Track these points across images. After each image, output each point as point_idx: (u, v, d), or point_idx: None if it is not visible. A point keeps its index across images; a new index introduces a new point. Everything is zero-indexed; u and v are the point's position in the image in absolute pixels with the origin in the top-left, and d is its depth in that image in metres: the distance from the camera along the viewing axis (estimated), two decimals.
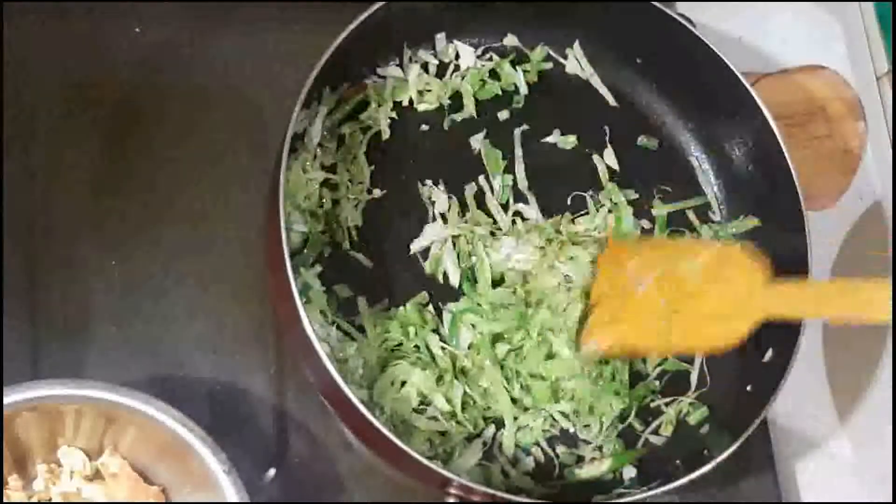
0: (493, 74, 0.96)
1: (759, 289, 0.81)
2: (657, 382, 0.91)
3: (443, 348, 0.85)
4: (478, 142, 0.94)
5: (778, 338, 0.87)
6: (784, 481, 0.94)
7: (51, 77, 0.89)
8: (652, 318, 0.84)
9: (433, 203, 0.91)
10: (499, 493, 0.77)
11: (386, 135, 0.92)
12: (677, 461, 0.86)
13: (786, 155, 0.90)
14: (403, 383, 0.84)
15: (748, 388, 0.89)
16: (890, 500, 0.96)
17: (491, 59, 0.97)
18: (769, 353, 0.88)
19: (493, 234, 0.90)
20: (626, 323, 0.85)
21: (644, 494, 0.82)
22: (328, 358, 0.75)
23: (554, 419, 0.87)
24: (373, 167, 0.90)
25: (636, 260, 0.86)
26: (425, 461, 0.75)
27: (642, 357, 0.89)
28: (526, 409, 0.86)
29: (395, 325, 0.85)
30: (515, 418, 0.85)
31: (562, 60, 0.98)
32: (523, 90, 0.96)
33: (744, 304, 0.81)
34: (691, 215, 0.97)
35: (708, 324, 0.83)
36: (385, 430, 0.75)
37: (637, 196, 0.96)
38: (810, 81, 1.07)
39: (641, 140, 0.98)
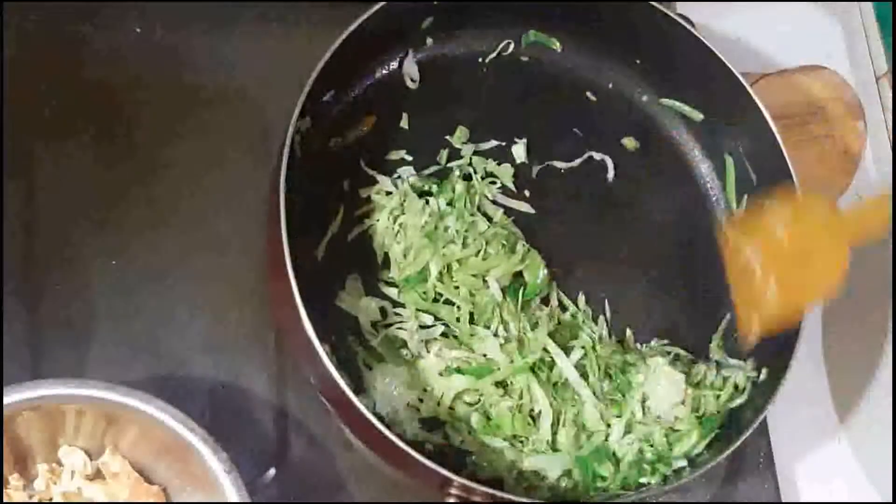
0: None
1: (836, 227, 0.82)
2: None
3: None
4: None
5: (775, 348, 0.87)
6: (784, 481, 0.94)
7: (51, 77, 0.89)
8: (762, 292, 0.83)
9: None
10: (499, 494, 0.77)
11: None
12: None
13: (785, 155, 0.90)
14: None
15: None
16: (890, 500, 0.97)
17: (486, 59, 0.97)
18: (763, 373, 0.88)
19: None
20: (756, 304, 0.84)
21: (644, 494, 0.82)
22: (329, 359, 0.75)
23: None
24: None
25: (742, 238, 0.85)
26: (425, 461, 0.75)
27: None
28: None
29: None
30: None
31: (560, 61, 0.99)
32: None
33: (828, 249, 0.82)
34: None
35: (806, 278, 0.82)
36: (386, 431, 0.75)
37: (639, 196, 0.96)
38: (810, 81, 1.07)
39: (641, 140, 0.98)
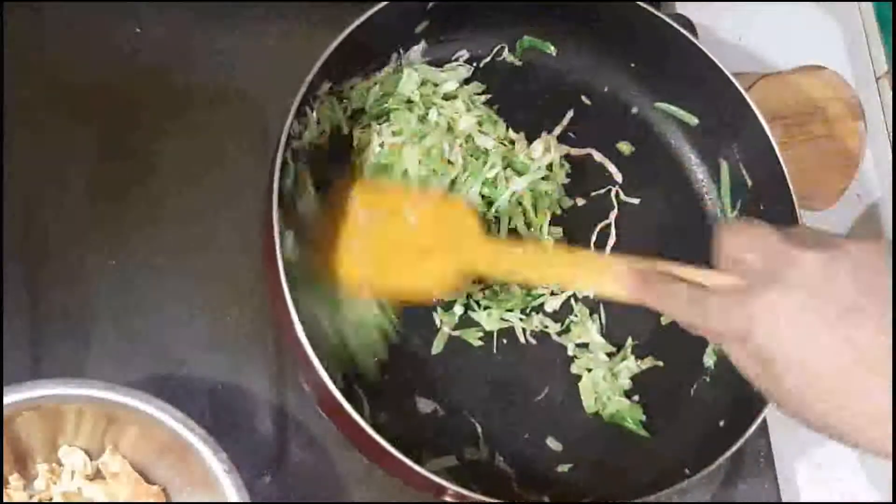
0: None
1: (474, 241, 0.82)
2: None
3: None
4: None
5: None
6: (784, 481, 0.94)
7: (51, 77, 0.89)
8: (383, 257, 0.83)
9: None
10: (496, 501, 0.76)
11: None
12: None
13: (780, 159, 0.90)
14: None
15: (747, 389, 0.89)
16: (890, 500, 0.97)
17: (481, 64, 0.96)
18: None
19: None
20: (368, 262, 0.83)
21: (645, 498, 0.82)
22: (324, 370, 0.75)
23: None
24: None
25: (372, 200, 0.84)
26: (422, 471, 0.75)
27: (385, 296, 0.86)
28: None
29: None
30: None
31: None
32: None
33: (457, 249, 0.82)
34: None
35: (422, 262, 0.82)
36: (382, 442, 0.75)
37: (638, 200, 0.96)
38: (810, 82, 1.07)
39: (636, 144, 0.98)
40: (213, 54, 0.93)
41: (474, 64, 0.96)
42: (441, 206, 0.85)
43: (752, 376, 0.65)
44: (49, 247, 0.85)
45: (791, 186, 0.90)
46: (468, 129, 0.91)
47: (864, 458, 0.99)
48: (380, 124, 0.90)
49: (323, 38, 0.83)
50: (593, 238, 0.94)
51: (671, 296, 0.69)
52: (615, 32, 0.94)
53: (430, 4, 0.90)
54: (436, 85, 0.93)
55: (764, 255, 0.64)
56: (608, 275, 0.76)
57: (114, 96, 0.90)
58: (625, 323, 0.93)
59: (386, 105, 0.91)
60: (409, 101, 0.91)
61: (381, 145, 0.89)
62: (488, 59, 0.97)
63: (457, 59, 0.95)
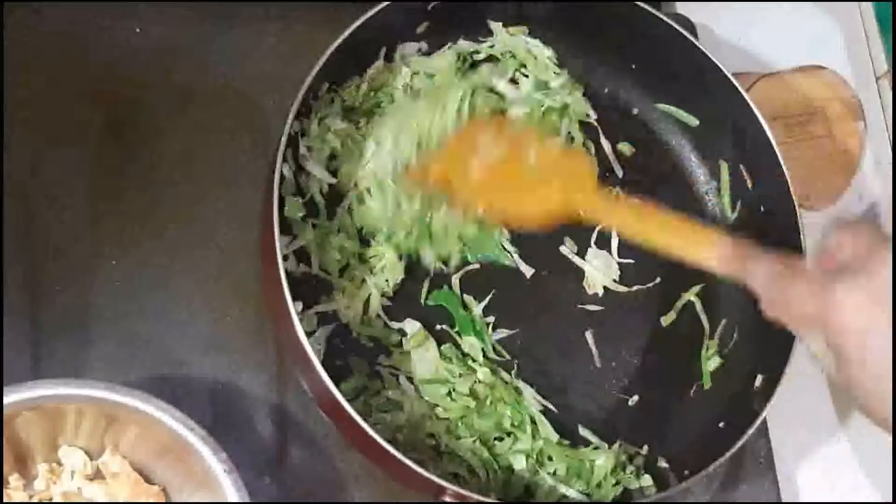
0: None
1: (587, 189, 0.85)
2: None
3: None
4: None
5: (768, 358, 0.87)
6: (784, 481, 0.94)
7: (51, 77, 0.89)
8: (499, 181, 0.86)
9: None
10: (495, 501, 0.76)
11: None
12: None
13: (780, 160, 0.90)
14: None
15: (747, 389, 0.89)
16: (890, 500, 0.97)
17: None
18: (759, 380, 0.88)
19: None
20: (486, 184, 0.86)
21: (646, 500, 0.83)
22: (324, 371, 0.75)
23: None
24: None
25: (488, 136, 0.87)
26: (421, 471, 0.75)
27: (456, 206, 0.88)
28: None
29: None
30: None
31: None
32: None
33: (569, 191, 0.84)
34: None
35: (535, 192, 0.85)
36: (382, 441, 0.75)
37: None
38: (810, 82, 1.07)
39: (636, 145, 0.98)
40: (213, 53, 0.93)
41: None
42: (563, 154, 0.89)
43: (828, 366, 0.65)
44: (49, 247, 0.85)
45: (791, 186, 0.90)
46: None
47: (864, 458, 0.99)
48: (375, 117, 0.90)
49: (323, 38, 0.83)
50: (593, 238, 0.94)
51: (759, 271, 0.70)
52: (615, 33, 0.94)
53: (431, 5, 0.90)
54: (429, 76, 0.93)
55: (855, 250, 0.65)
56: (705, 242, 0.77)
57: (113, 96, 0.90)
58: (626, 322, 0.93)
59: (377, 99, 0.91)
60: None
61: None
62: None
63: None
